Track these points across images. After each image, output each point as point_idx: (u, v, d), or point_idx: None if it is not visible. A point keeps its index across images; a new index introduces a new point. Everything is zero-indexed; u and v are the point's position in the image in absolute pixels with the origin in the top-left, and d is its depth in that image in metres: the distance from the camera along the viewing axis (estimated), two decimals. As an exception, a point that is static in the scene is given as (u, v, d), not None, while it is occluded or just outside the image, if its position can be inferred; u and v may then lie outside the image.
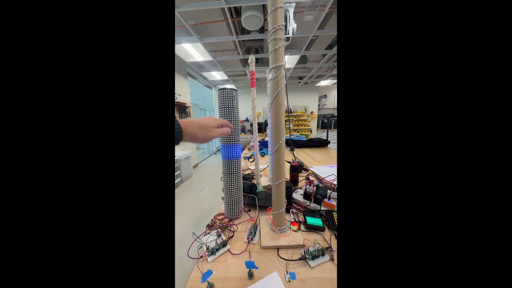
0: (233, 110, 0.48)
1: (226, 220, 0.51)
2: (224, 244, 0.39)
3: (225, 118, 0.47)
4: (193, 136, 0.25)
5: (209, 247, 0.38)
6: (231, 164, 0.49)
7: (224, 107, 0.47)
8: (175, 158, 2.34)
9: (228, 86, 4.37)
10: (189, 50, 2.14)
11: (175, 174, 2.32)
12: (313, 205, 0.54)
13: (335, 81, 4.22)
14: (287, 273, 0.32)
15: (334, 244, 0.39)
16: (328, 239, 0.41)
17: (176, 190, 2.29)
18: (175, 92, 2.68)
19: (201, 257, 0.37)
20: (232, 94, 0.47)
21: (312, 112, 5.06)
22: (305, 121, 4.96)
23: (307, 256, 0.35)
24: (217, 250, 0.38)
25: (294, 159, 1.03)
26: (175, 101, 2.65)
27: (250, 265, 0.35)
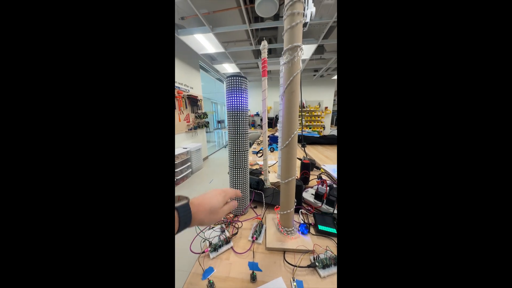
0: (241, 100, 0.44)
1: (231, 215, 0.49)
2: (227, 241, 0.37)
3: (233, 108, 0.44)
4: (201, 223, 0.25)
5: (212, 243, 0.36)
6: (238, 158, 0.46)
7: (232, 96, 0.43)
8: (187, 149, 2.42)
9: (239, 79, 4.30)
10: (201, 41, 2.12)
11: (186, 165, 2.41)
12: (325, 207, 0.50)
13: (355, 73, 3.87)
14: (293, 280, 0.29)
15: (348, 253, 0.35)
16: (342, 246, 0.37)
17: (186, 181, 2.39)
18: (187, 85, 2.71)
19: (203, 252, 0.35)
20: (241, 83, 0.43)
21: (326, 108, 4.78)
22: (318, 117, 4.73)
23: (317, 264, 0.31)
24: (220, 246, 0.36)
25: (305, 156, 0.97)
26: (187, 94, 2.69)
27: (253, 266, 0.32)
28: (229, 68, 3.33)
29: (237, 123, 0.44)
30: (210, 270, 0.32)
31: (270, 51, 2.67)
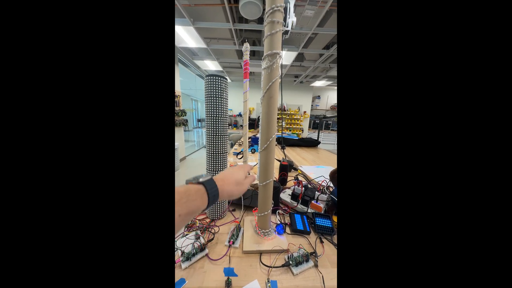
0: (221, 101, 0.43)
1: (208, 220, 0.47)
2: (202, 248, 0.36)
3: (211, 108, 0.42)
4: (230, 194, 0.25)
5: (184, 252, 0.34)
6: (216, 160, 0.45)
7: (211, 97, 0.42)
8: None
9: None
10: (180, 33, 1.97)
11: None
12: (300, 207, 0.53)
13: (330, 82, 4.27)
14: (268, 281, 0.30)
15: (318, 249, 0.38)
16: (313, 243, 0.40)
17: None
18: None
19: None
20: (221, 83, 0.42)
21: (305, 112, 5.12)
22: (297, 120, 5.01)
23: (290, 262, 0.33)
24: (194, 255, 0.34)
25: (284, 157, 1.01)
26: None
27: (229, 272, 0.32)
28: (211, 65, 3.21)
29: (216, 124, 0.43)
30: (181, 281, 0.30)
31: (253, 53, 2.70)
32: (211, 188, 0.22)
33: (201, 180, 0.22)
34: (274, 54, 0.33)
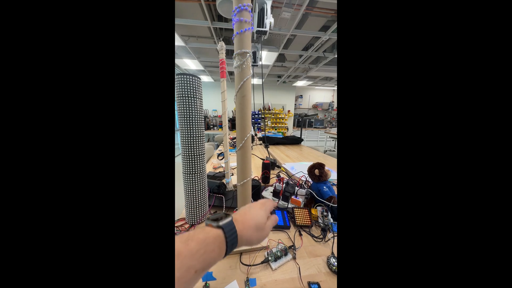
0: (195, 101, 0.41)
1: (187, 226, 0.45)
2: (178, 255, 0.34)
3: (184, 109, 0.40)
4: (249, 242, 0.22)
5: (158, 262, 0.32)
6: (192, 162, 0.43)
7: (183, 97, 0.40)
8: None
9: (203, 76, 4.06)
10: (155, 29, 1.84)
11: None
12: (281, 203, 0.54)
13: (310, 82, 4.49)
14: (247, 280, 0.30)
15: (297, 242, 0.40)
16: (292, 237, 0.41)
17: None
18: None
19: (147, 276, 0.30)
20: (194, 82, 0.40)
21: (289, 111, 5.28)
22: (282, 119, 5.15)
23: (269, 258, 0.34)
24: (169, 264, 0.32)
25: (268, 156, 1.03)
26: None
27: (207, 277, 0.31)
28: (191, 64, 3.08)
29: (190, 125, 0.41)
30: (153, 294, 0.28)
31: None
32: (230, 235, 0.20)
33: (221, 223, 0.20)
34: (244, 53, 0.33)
